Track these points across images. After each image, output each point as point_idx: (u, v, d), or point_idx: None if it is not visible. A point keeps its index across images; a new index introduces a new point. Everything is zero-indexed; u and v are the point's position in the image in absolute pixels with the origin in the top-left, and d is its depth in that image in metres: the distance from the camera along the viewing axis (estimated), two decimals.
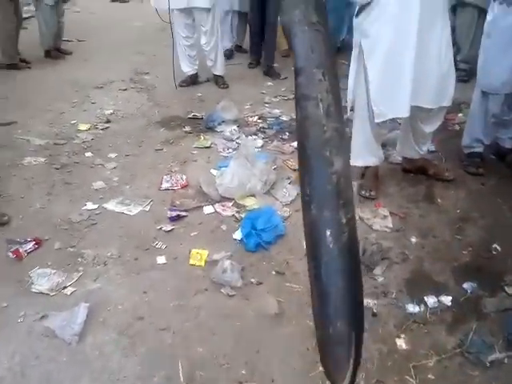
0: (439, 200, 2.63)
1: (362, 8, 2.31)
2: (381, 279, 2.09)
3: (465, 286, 2.02)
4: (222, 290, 2.00)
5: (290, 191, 2.73)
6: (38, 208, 2.56)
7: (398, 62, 2.28)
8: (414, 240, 2.32)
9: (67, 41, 6.44)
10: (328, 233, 1.00)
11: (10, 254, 2.15)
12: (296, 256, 2.22)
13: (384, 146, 3.16)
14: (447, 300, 1.95)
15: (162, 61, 4.80)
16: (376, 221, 2.45)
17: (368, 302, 1.91)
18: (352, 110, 2.63)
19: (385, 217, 2.48)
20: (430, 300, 1.94)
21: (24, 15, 6.55)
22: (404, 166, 2.87)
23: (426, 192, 2.68)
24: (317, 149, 1.14)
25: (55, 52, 5.53)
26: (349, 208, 1.04)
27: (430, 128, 2.60)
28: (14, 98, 4.15)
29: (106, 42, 6.45)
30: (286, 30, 1.25)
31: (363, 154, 2.64)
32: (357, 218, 2.46)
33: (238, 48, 5.70)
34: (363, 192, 2.64)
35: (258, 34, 4.91)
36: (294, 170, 2.97)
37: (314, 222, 1.04)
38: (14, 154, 3.15)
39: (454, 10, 4.17)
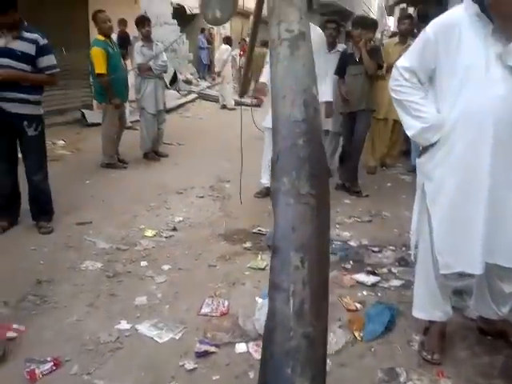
0: None
1: (426, 149, 2.10)
2: None
3: None
4: None
5: (338, 337, 2.39)
6: (74, 320, 2.52)
7: (465, 212, 1.98)
8: None
9: (168, 144, 6.99)
10: None
11: (25, 373, 2.07)
12: None
13: (459, 293, 2.72)
14: None
15: (248, 170, 4.84)
16: None
17: None
18: (415, 254, 2.32)
19: None
20: None
21: (132, 118, 7.36)
22: (480, 326, 2.39)
23: (504, 365, 2.17)
24: (278, 360, 0.90)
25: (152, 154, 5.98)
26: None
27: (510, 288, 2.17)
28: (100, 197, 4.44)
29: (202, 147, 6.86)
30: (273, 199, 1.09)
31: (426, 306, 2.26)
32: None
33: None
34: (424, 353, 2.21)
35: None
36: (349, 310, 2.65)
37: None
38: (77, 255, 3.26)
39: None
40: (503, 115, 1.88)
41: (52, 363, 2.14)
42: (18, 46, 3.31)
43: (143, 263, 3.20)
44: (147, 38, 5.76)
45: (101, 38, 5.22)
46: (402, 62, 2.11)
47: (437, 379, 2.09)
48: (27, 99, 3.41)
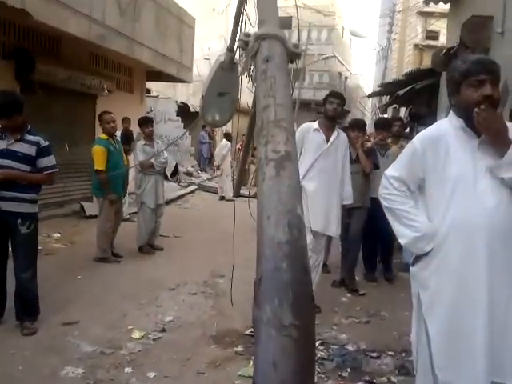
0: None
1: (419, 257, 2.06)
2: None
3: None
4: None
5: None
6: None
7: (464, 326, 1.88)
8: None
9: (164, 236, 6.98)
10: None
11: None
12: None
13: None
14: None
15: (243, 263, 4.72)
16: None
17: None
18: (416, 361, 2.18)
19: None
20: None
21: (130, 210, 7.42)
22: None
23: None
24: None
25: (147, 247, 5.95)
26: None
27: None
28: (90, 294, 4.31)
29: (199, 239, 6.84)
30: (254, 329, 1.04)
31: None
32: None
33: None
34: None
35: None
36: None
37: None
38: (58, 360, 3.08)
39: None
40: (495, 227, 1.86)
41: None
42: (20, 147, 3.43)
43: (127, 369, 3.02)
44: (149, 137, 6.01)
45: (104, 136, 5.46)
46: (391, 171, 2.15)
47: None
48: (23, 198, 3.46)
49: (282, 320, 1.00)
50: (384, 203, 2.14)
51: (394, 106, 14.77)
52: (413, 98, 10.78)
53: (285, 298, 1.04)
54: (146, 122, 6.03)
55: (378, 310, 4.14)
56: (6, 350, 3.16)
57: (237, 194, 4.23)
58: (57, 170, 3.69)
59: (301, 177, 3.60)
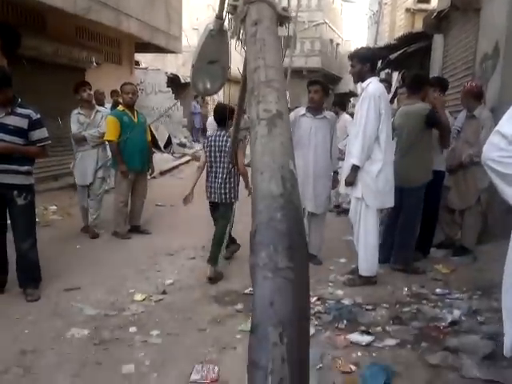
0: None
1: None
2: None
3: None
4: None
5: None
6: None
7: None
8: None
9: (160, 205, 7.04)
10: None
11: None
12: None
13: (455, 352, 2.65)
14: None
15: (241, 230, 4.78)
16: None
17: None
18: None
19: None
20: None
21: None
22: None
23: None
24: None
25: (86, 228, 5.42)
26: None
27: None
28: (89, 262, 4.38)
29: (194, 208, 6.86)
30: (251, 274, 1.09)
31: None
32: None
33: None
34: None
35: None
36: (343, 372, 2.56)
37: None
38: (62, 323, 3.17)
39: None
40: None
41: None
42: (11, 120, 3.43)
43: (132, 329, 3.11)
44: (88, 104, 5.30)
45: (120, 108, 5.35)
46: (508, 129, 1.75)
47: None
48: (18, 170, 3.48)
49: (278, 263, 1.05)
50: (496, 167, 1.77)
51: (387, 70, 14.65)
52: (405, 61, 10.71)
53: (279, 244, 1.10)
54: (81, 85, 5.30)
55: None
56: (11, 316, 3.24)
57: (233, 163, 4.25)
58: (49, 142, 3.70)
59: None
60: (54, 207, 6.45)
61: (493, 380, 2.36)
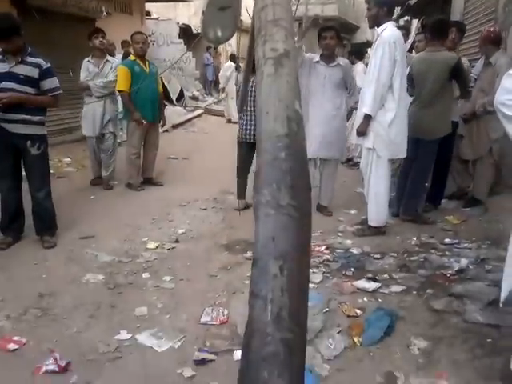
0: None
1: None
2: None
3: None
4: None
5: (336, 342, 2.38)
6: (74, 332, 2.54)
7: None
8: None
9: (173, 158, 7.08)
10: None
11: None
12: None
13: (460, 297, 2.70)
14: None
15: (249, 180, 4.82)
16: None
17: None
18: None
19: None
20: None
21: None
22: None
23: (504, 367, 2.12)
24: (254, 365, 0.90)
25: (97, 180, 5.49)
26: None
27: None
28: (103, 212, 4.48)
29: (207, 160, 6.92)
30: (254, 212, 1.11)
31: None
32: None
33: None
34: None
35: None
36: (349, 316, 2.63)
37: None
38: (79, 269, 3.29)
39: None
40: None
41: (56, 365, 2.19)
42: (22, 70, 3.42)
43: (145, 275, 3.22)
44: (100, 52, 5.22)
45: (132, 57, 5.29)
46: None
47: (436, 381, 2.06)
48: (30, 120, 3.50)
49: (280, 201, 1.06)
50: (506, 112, 1.78)
51: (406, 17, 14.05)
52: (425, 7, 10.24)
53: (283, 182, 1.11)
54: (94, 32, 5.22)
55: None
56: (29, 261, 3.37)
57: (241, 110, 4.24)
58: (61, 91, 3.70)
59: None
60: (69, 159, 6.53)
61: (495, 324, 2.41)
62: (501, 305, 1.97)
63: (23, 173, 3.73)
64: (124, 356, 2.34)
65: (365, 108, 3.73)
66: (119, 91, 5.17)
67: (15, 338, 2.44)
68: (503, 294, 1.93)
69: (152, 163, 5.60)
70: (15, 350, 2.36)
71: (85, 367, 2.25)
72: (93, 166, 5.50)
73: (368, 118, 3.73)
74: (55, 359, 2.23)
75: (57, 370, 2.19)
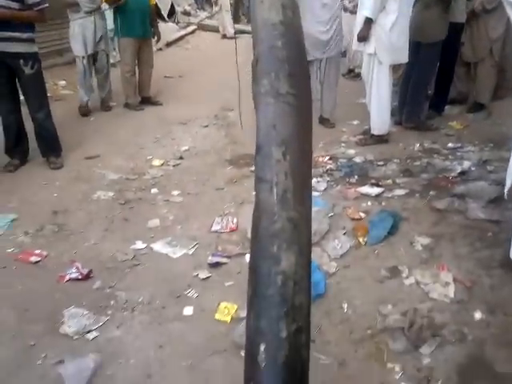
0: None
1: None
2: (427, 361, 1.76)
3: None
4: (242, 354, 1.84)
5: (342, 243, 2.50)
6: (91, 244, 2.65)
7: None
8: (477, 316, 1.95)
9: (168, 77, 6.90)
10: (262, 348, 0.82)
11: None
12: (332, 321, 1.99)
13: (462, 197, 2.78)
14: None
15: (247, 95, 4.79)
16: (435, 287, 2.11)
17: None
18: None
19: (447, 284, 2.13)
20: None
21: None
22: None
23: (503, 257, 2.25)
24: (263, 242, 0.96)
25: (86, 109, 5.19)
26: (295, 317, 0.84)
27: None
28: (105, 132, 4.47)
29: (203, 78, 6.76)
30: (254, 102, 1.11)
31: None
32: (413, 281, 2.16)
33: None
34: None
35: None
36: (353, 219, 2.73)
37: (250, 334, 0.87)
38: (88, 187, 3.35)
39: None
40: None
41: (79, 273, 2.32)
42: None
43: (153, 190, 3.29)
44: None
45: None
46: None
47: (438, 273, 2.19)
48: (20, 37, 3.37)
49: (279, 89, 1.07)
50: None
51: None
52: None
53: (281, 71, 1.10)
54: None
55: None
56: (39, 182, 3.43)
57: (249, 20, 4.05)
58: (47, 5, 3.52)
59: None
60: (63, 82, 6.38)
61: (495, 220, 2.51)
62: (505, 197, 2.05)
63: (21, 97, 3.67)
64: (142, 263, 2.47)
65: (365, 11, 3.58)
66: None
67: (37, 251, 2.56)
68: (507, 187, 2.00)
69: (148, 81, 5.47)
70: (37, 261, 2.49)
71: (106, 274, 2.38)
72: (82, 90, 5.10)
73: (369, 22, 3.59)
74: (77, 268, 2.37)
75: (80, 277, 2.33)
